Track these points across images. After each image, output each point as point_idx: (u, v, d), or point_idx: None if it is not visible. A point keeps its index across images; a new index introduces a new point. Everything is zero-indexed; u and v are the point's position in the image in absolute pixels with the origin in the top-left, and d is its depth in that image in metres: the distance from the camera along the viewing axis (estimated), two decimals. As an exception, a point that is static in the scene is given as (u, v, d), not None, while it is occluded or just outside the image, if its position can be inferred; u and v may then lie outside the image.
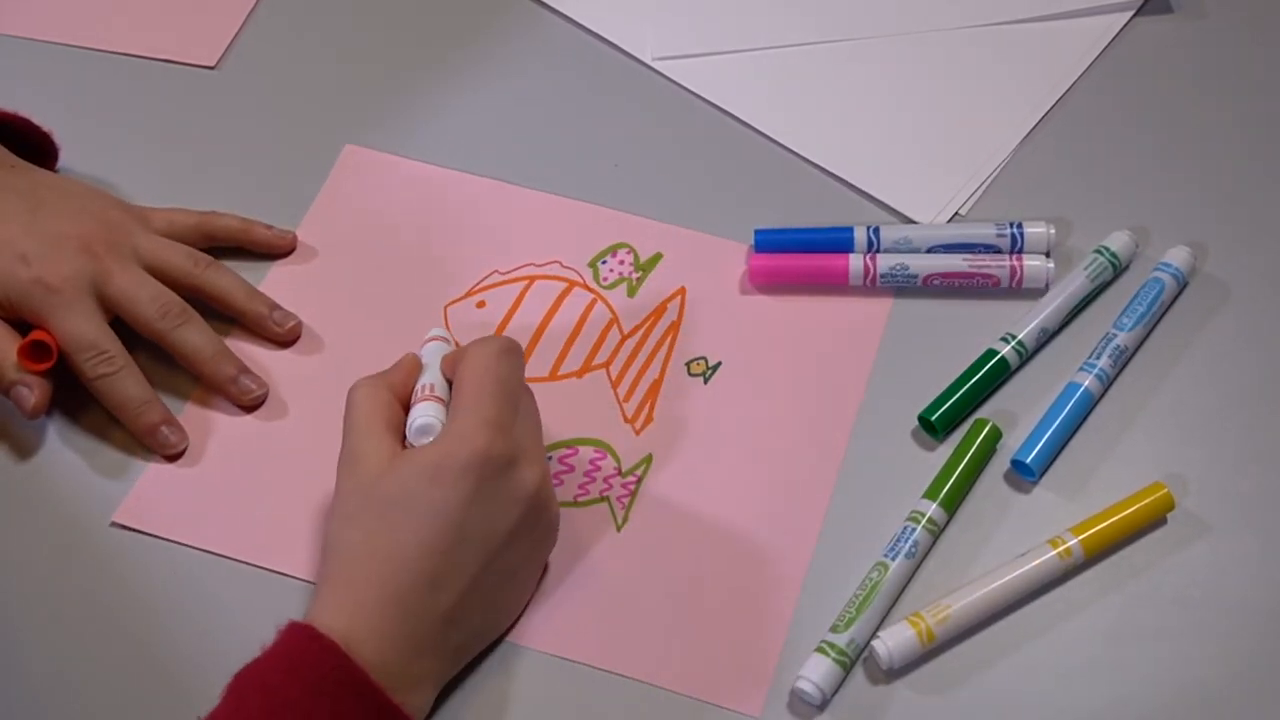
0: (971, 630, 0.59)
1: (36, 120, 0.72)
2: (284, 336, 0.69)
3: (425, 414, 0.58)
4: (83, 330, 0.64)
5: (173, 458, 0.65)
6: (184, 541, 0.63)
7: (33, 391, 0.64)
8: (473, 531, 0.55)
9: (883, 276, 0.69)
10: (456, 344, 0.64)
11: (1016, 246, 0.70)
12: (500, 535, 0.56)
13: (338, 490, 0.57)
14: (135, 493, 0.64)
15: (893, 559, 0.60)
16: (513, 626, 0.60)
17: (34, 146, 0.72)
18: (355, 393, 0.59)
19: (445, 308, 0.70)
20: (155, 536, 0.63)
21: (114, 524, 0.63)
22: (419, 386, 0.60)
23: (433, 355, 0.62)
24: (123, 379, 0.64)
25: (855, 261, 0.69)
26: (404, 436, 0.58)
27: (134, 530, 0.63)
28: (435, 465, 0.55)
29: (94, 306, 0.65)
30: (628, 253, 0.72)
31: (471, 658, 0.58)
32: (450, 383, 0.59)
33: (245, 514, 0.64)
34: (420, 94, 0.78)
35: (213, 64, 0.80)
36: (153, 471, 0.65)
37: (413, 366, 0.61)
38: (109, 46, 0.81)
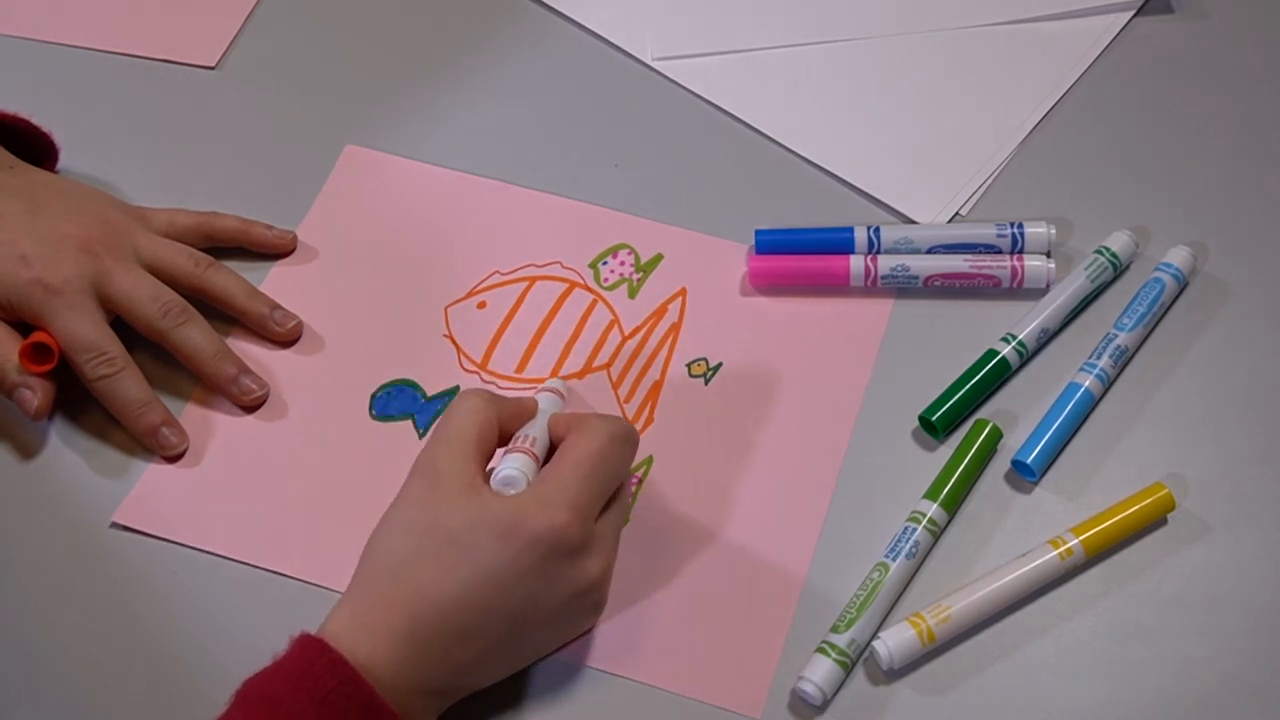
0: (972, 630, 0.59)
1: (36, 120, 0.72)
2: (284, 336, 0.69)
3: (514, 466, 0.56)
4: (83, 331, 0.64)
5: (173, 458, 0.65)
6: (184, 542, 0.63)
7: (36, 394, 0.64)
8: (516, 601, 0.54)
9: (884, 278, 0.69)
10: (562, 395, 0.63)
11: (1017, 247, 0.70)
12: (541, 612, 0.55)
13: (406, 490, 0.56)
14: (135, 493, 0.64)
15: (893, 559, 0.60)
16: None
17: (34, 147, 0.72)
18: (463, 401, 0.57)
19: (446, 308, 0.70)
20: (155, 537, 0.63)
21: (114, 524, 0.63)
22: (520, 434, 0.58)
23: (545, 405, 0.60)
24: (124, 380, 0.64)
25: (856, 263, 0.69)
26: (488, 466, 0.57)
27: (134, 531, 0.63)
28: (509, 524, 0.53)
29: (95, 307, 0.65)
30: (628, 253, 0.72)
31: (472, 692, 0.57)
32: (553, 442, 0.58)
33: (245, 514, 0.64)
34: (421, 94, 0.78)
35: (213, 64, 0.80)
36: (153, 472, 0.65)
37: (529, 410, 0.59)
38: (109, 46, 0.81)
